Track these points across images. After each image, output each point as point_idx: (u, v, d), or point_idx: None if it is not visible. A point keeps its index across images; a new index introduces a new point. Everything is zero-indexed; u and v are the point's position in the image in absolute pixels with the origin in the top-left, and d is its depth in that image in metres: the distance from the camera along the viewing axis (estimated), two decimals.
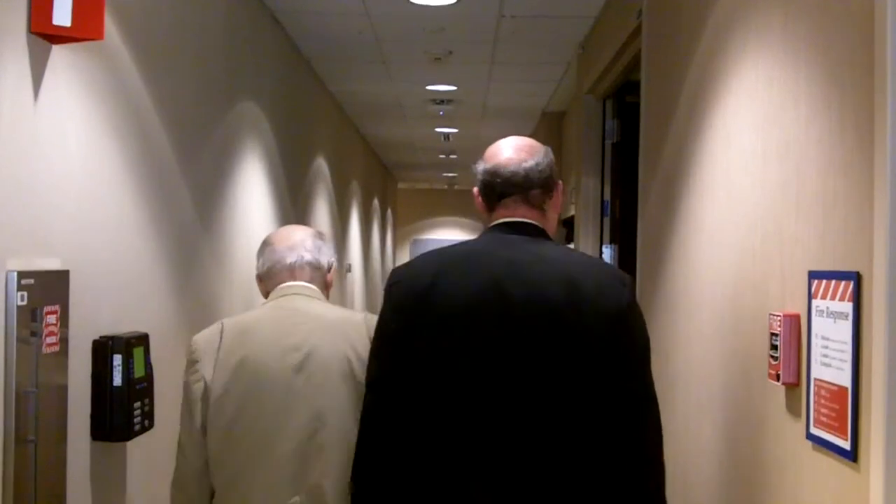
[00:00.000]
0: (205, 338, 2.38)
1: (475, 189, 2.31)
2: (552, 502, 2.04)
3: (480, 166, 2.29)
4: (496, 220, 2.27)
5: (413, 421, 2.10)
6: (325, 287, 2.56)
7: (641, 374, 2.09)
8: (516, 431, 2.05)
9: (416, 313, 2.12)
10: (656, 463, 2.10)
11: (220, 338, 2.36)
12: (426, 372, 2.09)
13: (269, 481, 2.28)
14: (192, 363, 2.36)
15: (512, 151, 2.27)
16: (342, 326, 2.39)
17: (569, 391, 2.04)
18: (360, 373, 2.30)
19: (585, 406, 2.04)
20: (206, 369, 2.32)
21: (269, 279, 2.52)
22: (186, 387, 2.35)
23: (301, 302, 2.44)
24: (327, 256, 2.57)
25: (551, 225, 2.30)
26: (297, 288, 2.48)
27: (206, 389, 2.31)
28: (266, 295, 2.54)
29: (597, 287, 2.09)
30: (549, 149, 2.35)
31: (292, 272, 2.50)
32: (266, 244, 2.57)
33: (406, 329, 2.12)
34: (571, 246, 6.08)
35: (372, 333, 2.27)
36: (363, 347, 2.33)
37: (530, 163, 2.25)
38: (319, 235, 2.61)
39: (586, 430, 2.05)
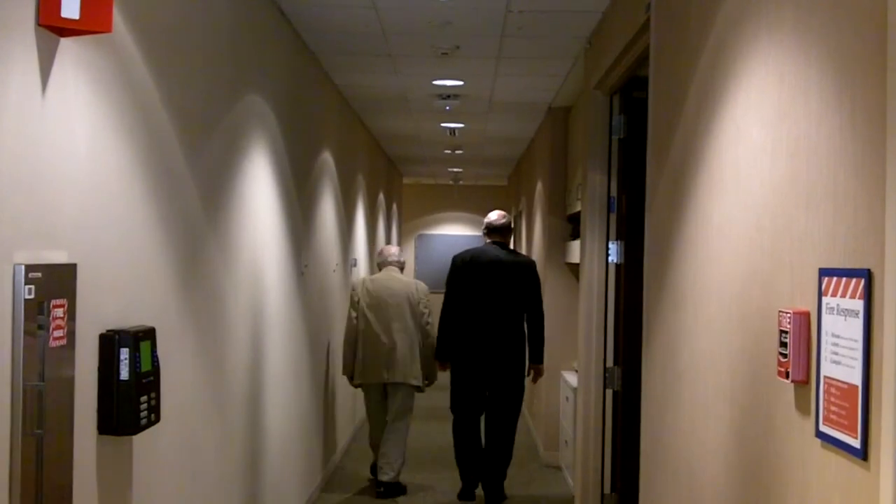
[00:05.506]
0: (358, 281, 7.03)
1: (483, 229, 7.02)
2: (510, 332, 6.73)
3: (486, 221, 6.92)
4: (490, 240, 6.87)
5: (462, 305, 6.74)
6: (401, 268, 7.09)
7: (538, 292, 6.83)
8: (498, 309, 6.71)
9: (465, 271, 6.75)
10: (542, 316, 6.87)
11: (363, 282, 6.97)
12: (468, 290, 6.72)
13: (377, 335, 6.79)
14: (353, 290, 6.96)
15: (497, 217, 6.88)
16: (409, 283, 7.01)
17: (516, 297, 6.72)
18: (414, 300, 6.89)
19: (521, 302, 6.75)
20: (360, 293, 6.87)
21: (382, 264, 7.13)
22: (351, 300, 6.92)
23: (393, 272, 7.04)
24: (402, 257, 7.16)
25: (510, 242, 7.06)
26: (392, 267, 7.07)
27: (359, 301, 6.86)
28: (380, 270, 7.11)
29: (524, 263, 6.87)
30: (510, 217, 7.65)
31: (390, 262, 7.09)
32: (380, 252, 7.23)
33: (460, 275, 6.77)
34: (580, 249, 6.22)
35: (420, 287, 7.01)
36: (415, 291, 6.93)
37: (504, 222, 6.87)
38: (399, 251, 7.23)
39: (521, 308, 6.77)
